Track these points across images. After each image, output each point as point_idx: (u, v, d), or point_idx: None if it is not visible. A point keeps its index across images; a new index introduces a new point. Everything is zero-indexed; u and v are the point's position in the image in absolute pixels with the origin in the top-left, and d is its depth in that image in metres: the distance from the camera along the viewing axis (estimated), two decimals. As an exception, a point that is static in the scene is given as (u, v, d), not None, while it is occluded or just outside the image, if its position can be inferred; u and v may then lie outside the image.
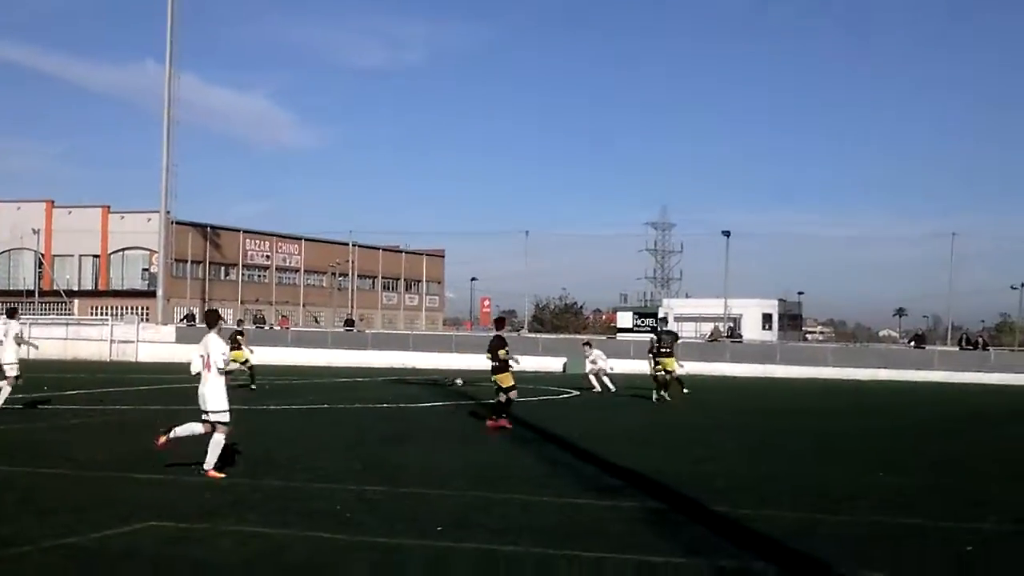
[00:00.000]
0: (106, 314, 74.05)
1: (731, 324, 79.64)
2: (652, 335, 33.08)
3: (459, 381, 26.54)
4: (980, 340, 62.19)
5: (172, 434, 14.21)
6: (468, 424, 22.73)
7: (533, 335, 63.98)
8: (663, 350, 30.41)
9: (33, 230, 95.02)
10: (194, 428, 14.24)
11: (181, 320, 69.02)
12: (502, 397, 21.65)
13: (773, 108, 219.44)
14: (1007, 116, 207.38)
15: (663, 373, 30.28)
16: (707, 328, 78.37)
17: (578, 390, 34.36)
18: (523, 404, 24.58)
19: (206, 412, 14.13)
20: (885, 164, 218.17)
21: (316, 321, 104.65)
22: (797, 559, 9.50)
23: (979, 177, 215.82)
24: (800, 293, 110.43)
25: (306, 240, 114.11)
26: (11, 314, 24.29)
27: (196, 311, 72.99)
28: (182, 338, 57.40)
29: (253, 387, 31.67)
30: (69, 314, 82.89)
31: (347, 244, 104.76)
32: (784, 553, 9.75)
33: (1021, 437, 23.14)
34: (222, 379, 14.17)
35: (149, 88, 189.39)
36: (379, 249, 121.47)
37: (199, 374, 14.19)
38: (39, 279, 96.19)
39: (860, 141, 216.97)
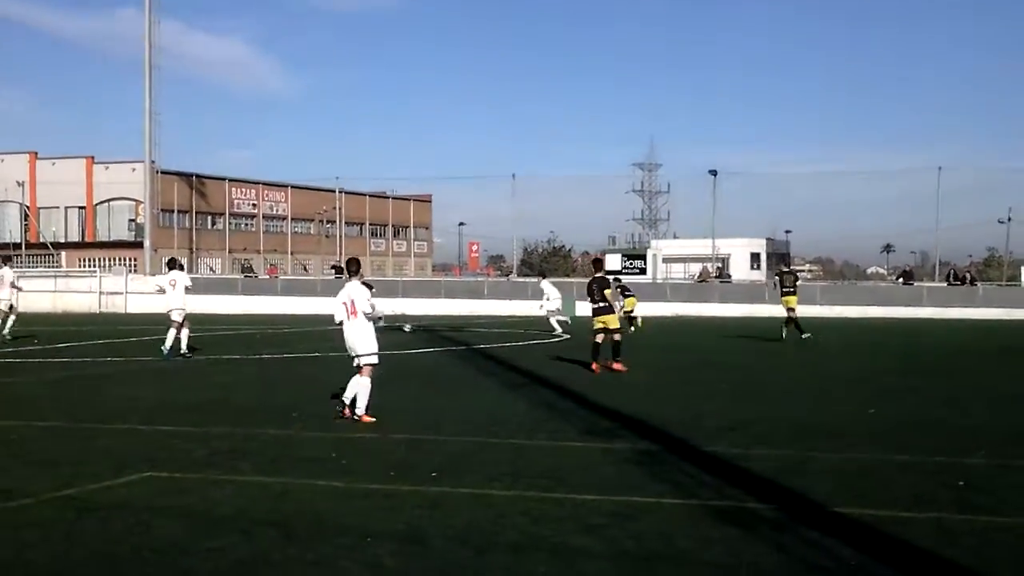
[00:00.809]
0: (94, 266, 73.74)
1: (719, 264, 79.78)
2: (776, 276, 36.03)
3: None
4: (968, 275, 62.46)
5: (351, 404, 14.64)
6: (459, 370, 22.80)
7: (522, 279, 63.91)
8: (785, 289, 32.68)
9: (17, 182, 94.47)
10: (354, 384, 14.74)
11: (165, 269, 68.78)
12: (617, 336, 22.20)
13: (760, 46, 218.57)
14: (990, 47, 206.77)
15: (788, 310, 32.36)
16: (695, 269, 78.51)
17: (566, 334, 34.43)
18: (515, 348, 24.66)
19: (356, 356, 14.77)
20: (871, 100, 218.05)
21: (305, 269, 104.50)
22: (789, 497, 9.58)
23: (964, 110, 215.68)
24: (788, 232, 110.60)
25: (292, 188, 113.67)
26: (5, 260, 25.86)
27: (184, 261, 72.84)
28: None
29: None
30: (57, 266, 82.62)
31: (334, 191, 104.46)
32: (776, 491, 9.84)
33: (1011, 373, 23.27)
34: (369, 324, 14.83)
35: (128, 35, 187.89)
36: (366, 195, 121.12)
37: (341, 322, 14.86)
38: (25, 232, 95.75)
39: (846, 78, 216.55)
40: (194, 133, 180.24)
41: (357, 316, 14.76)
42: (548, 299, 36.79)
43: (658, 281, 74.32)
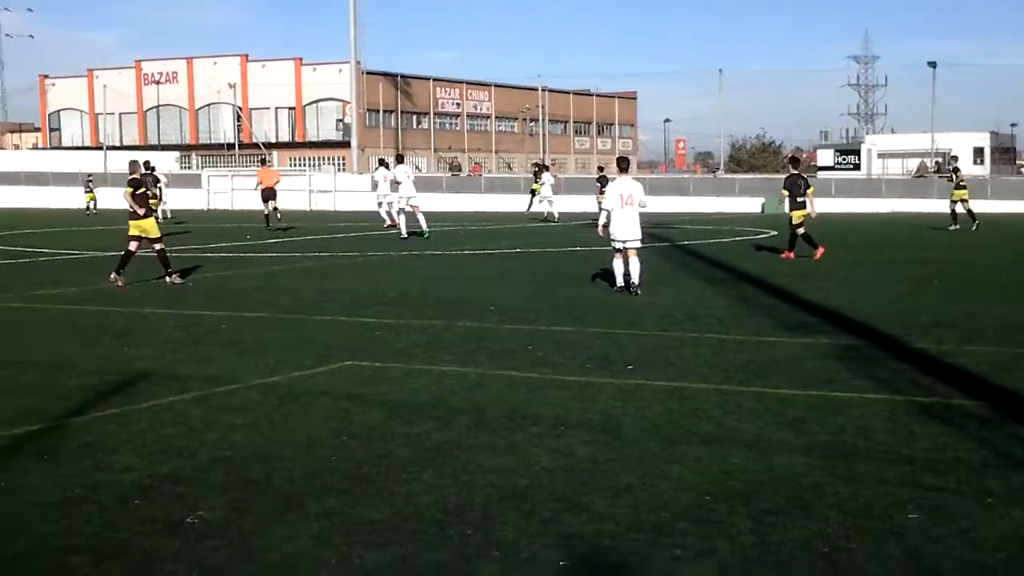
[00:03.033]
0: (303, 165, 75.86)
1: (938, 160, 76.50)
2: (951, 172, 37.22)
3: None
4: None
5: (634, 279, 16.69)
6: (661, 267, 22.58)
7: (730, 176, 62.78)
8: (961, 184, 35.10)
9: (229, 84, 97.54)
10: (620, 265, 16.89)
11: (375, 169, 70.24)
12: (800, 231, 23.41)
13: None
14: None
15: (958, 204, 34.95)
16: (913, 164, 75.70)
17: (773, 230, 33.64)
18: (719, 245, 24.31)
19: (624, 241, 16.77)
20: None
21: (508, 167, 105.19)
22: (1000, 395, 9.12)
23: None
24: (1013, 125, 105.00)
25: (496, 87, 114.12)
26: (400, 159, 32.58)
27: (389, 159, 74.11)
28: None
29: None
30: (269, 165, 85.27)
31: (537, 89, 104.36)
32: (986, 388, 9.38)
33: None
34: (634, 212, 16.89)
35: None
36: (569, 93, 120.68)
37: (607, 212, 17.17)
38: (238, 132, 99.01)
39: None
40: (399, 34, 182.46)
41: (633, 206, 16.84)
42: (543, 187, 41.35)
43: (872, 177, 71.92)
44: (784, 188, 24.00)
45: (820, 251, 22.68)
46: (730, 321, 13.78)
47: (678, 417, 8.47)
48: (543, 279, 19.72)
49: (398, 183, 30.88)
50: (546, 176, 45.33)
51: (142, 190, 18.77)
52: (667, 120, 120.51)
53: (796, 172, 24.59)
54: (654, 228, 34.72)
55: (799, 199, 23.52)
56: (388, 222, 33.58)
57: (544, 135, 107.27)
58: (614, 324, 13.58)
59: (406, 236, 30.06)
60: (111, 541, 5.73)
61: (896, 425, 8.09)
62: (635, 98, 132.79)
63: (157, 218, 21.14)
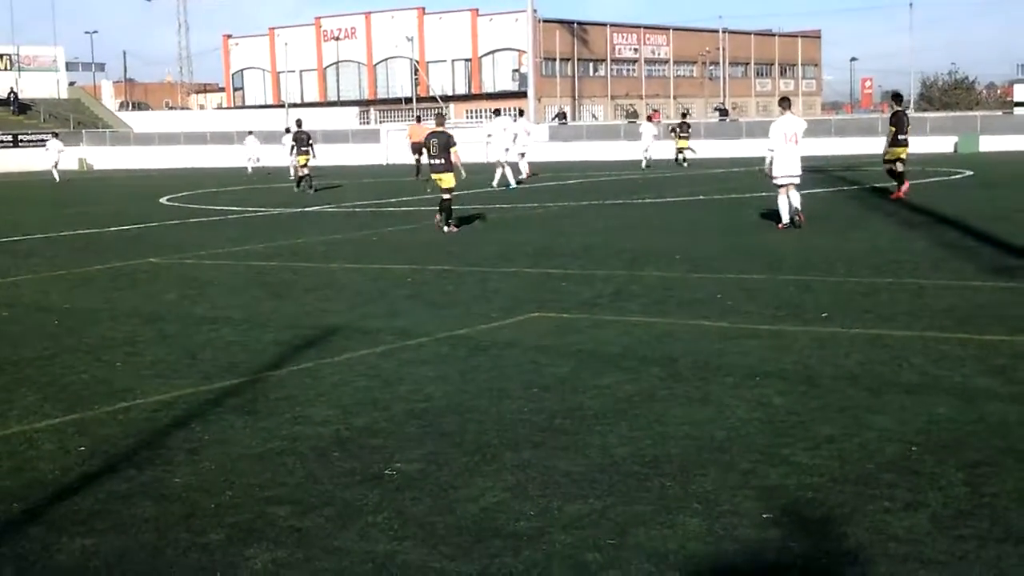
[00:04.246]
0: (479, 117, 76.30)
1: None
2: None
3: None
4: None
5: (797, 216, 17.91)
6: (852, 210, 21.93)
7: (921, 114, 60.44)
8: None
9: (407, 38, 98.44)
10: (786, 201, 18.00)
11: (553, 119, 70.14)
12: (899, 167, 23.58)
13: None
14: None
15: None
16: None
17: (968, 169, 32.27)
18: (913, 187, 23.42)
19: (789, 176, 17.90)
20: None
21: (686, 114, 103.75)
22: None
23: None
24: None
25: (674, 30, 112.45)
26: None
27: (566, 110, 73.90)
28: (555, 136, 58.41)
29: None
30: (446, 118, 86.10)
31: (716, 31, 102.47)
32: None
33: None
34: (799, 149, 18.04)
35: None
36: (751, 34, 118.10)
37: (771, 151, 18.12)
38: (415, 85, 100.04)
39: None
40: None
41: (797, 144, 18.02)
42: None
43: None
44: (891, 125, 24.03)
45: (905, 189, 23.02)
46: (929, 265, 13.26)
47: (878, 366, 8.17)
48: (727, 224, 19.35)
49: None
50: (647, 129, 45.16)
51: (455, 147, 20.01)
52: (853, 59, 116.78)
53: (900, 109, 24.93)
54: (844, 171, 33.77)
55: (900, 136, 23.44)
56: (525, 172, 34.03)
57: (724, 78, 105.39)
58: (805, 271, 13.21)
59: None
60: (313, 492, 5.83)
61: (1117, 373, 7.63)
62: (819, 37, 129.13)
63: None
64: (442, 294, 12.54)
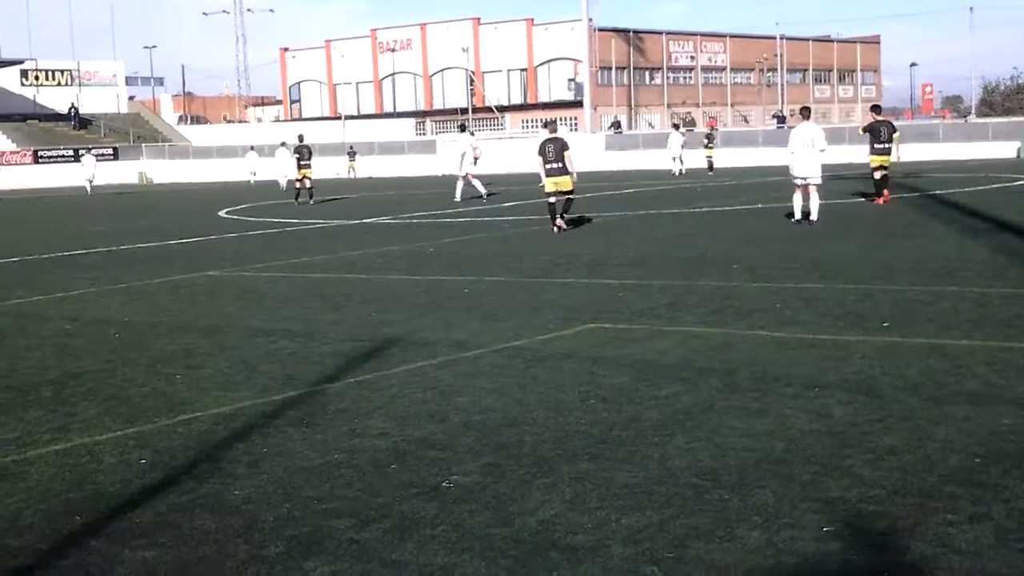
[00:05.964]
0: (535, 127, 76.32)
1: None
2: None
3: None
4: None
5: (812, 216, 19.90)
6: (911, 218, 21.68)
7: (982, 120, 59.65)
8: None
9: (462, 49, 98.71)
10: (800, 199, 20.31)
11: (608, 128, 70.03)
12: (876, 175, 24.93)
13: None
14: None
15: None
16: None
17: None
18: (974, 193, 23.16)
19: (805, 178, 20.13)
20: None
21: (745, 121, 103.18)
22: None
23: None
24: None
25: (731, 37, 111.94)
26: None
27: (622, 119, 73.77)
28: (611, 146, 58.32)
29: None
30: (501, 129, 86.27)
31: (774, 38, 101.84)
32: None
33: None
34: (816, 153, 20.08)
35: None
36: (808, 40, 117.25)
37: (793, 154, 20.33)
38: (471, 96, 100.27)
39: None
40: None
41: (814, 148, 19.92)
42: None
43: None
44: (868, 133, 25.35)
45: (885, 198, 24.45)
46: (992, 274, 13.07)
47: (940, 376, 8.06)
48: (788, 234, 19.21)
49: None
50: (674, 138, 47.65)
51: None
52: (913, 64, 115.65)
53: (878, 118, 26.32)
54: (904, 178, 33.38)
55: (877, 145, 24.77)
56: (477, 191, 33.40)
57: (782, 85, 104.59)
58: (864, 279, 13.07)
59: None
60: (372, 505, 5.84)
61: None
62: (878, 42, 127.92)
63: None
64: (498, 305, 12.54)
